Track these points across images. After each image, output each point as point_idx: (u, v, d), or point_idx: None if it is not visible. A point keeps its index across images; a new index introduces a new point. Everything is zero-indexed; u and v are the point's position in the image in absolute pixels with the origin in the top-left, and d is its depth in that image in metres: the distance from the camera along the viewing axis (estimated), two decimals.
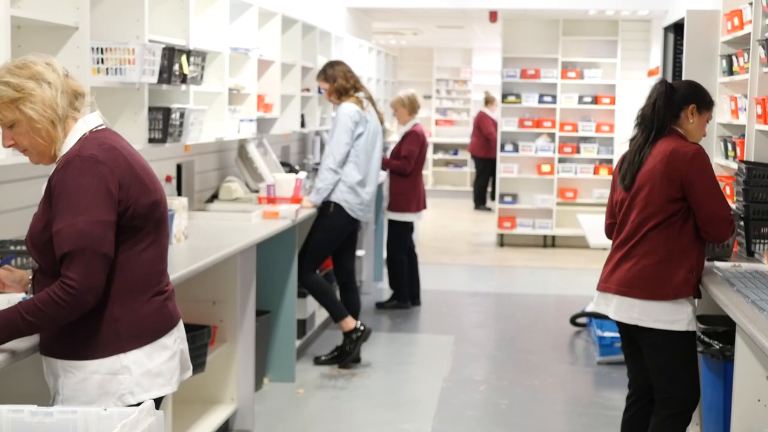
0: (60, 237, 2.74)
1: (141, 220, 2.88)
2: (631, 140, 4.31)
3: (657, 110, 4.22)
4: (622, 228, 4.26)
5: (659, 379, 4.24)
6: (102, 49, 4.45)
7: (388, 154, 8.59)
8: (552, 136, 12.66)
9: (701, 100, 4.28)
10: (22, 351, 2.88)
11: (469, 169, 19.27)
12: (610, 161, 12.60)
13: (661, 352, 4.20)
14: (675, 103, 4.23)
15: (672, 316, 4.13)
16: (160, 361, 2.94)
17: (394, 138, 9.76)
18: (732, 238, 4.66)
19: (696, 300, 4.26)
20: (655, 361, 4.24)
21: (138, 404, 2.74)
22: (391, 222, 8.65)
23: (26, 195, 4.34)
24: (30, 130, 2.84)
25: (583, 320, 8.02)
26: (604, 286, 4.29)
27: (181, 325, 3.11)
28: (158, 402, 2.93)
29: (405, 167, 8.35)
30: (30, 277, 3.11)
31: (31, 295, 2.91)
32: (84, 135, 2.90)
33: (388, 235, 8.73)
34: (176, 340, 3.04)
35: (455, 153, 20.16)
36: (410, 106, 8.55)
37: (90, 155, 2.81)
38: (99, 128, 2.96)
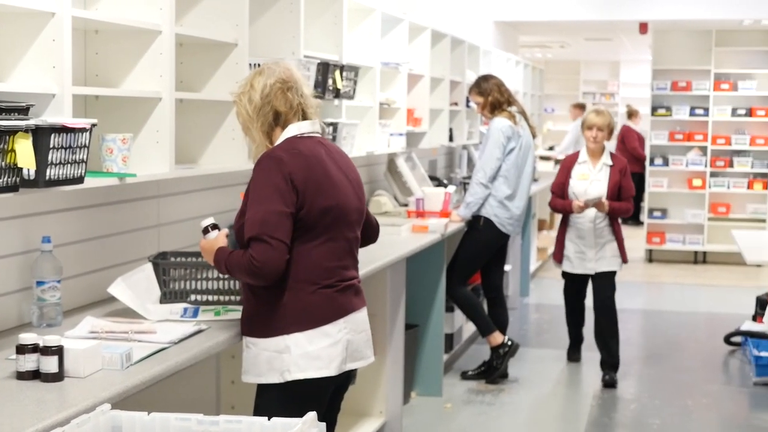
0: (246, 224, 3.16)
1: (313, 220, 3.22)
2: None
3: None
4: None
5: None
6: (259, 65, 4.52)
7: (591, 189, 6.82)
8: (704, 149, 12.37)
9: None
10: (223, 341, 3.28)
11: None
12: (765, 175, 12.22)
13: None
14: None
15: None
16: (320, 346, 3.24)
17: (540, 152, 9.38)
18: None
19: None
20: None
21: (295, 381, 3.21)
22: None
23: (188, 208, 4.45)
24: (242, 128, 3.42)
25: (737, 339, 7.78)
26: None
27: (354, 317, 3.36)
28: (318, 382, 3.25)
29: (631, 208, 7.27)
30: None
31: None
32: (287, 139, 3.30)
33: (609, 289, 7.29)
34: (341, 330, 3.30)
35: None
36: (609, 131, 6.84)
37: (275, 155, 3.21)
38: (305, 135, 3.33)
